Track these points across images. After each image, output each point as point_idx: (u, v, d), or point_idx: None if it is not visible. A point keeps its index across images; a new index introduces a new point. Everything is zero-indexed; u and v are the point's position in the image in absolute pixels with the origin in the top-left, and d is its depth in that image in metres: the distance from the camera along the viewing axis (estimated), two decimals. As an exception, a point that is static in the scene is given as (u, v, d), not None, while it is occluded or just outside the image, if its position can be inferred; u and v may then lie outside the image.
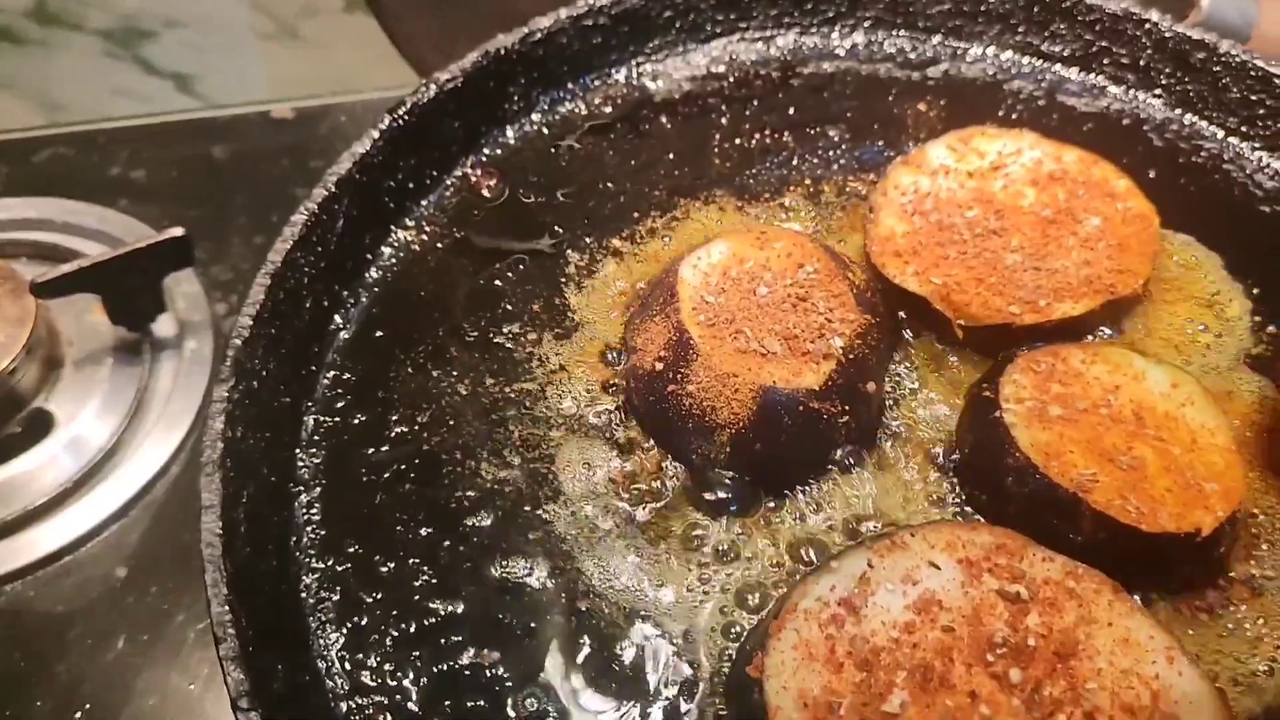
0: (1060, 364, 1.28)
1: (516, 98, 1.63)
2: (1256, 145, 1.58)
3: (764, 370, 1.23)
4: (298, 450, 1.28)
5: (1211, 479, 1.18)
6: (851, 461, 1.28)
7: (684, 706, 1.11)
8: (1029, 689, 1.01)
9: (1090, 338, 1.38)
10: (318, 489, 1.25)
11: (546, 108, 1.65)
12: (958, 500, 1.25)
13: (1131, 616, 1.06)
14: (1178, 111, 1.64)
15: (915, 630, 1.05)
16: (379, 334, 1.40)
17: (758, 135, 1.63)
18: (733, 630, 1.15)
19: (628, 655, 1.14)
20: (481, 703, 1.11)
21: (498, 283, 1.45)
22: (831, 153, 1.61)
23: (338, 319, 1.41)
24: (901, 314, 1.41)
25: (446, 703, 1.11)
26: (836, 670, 1.03)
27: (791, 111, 1.66)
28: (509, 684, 1.12)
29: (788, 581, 1.18)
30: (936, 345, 1.39)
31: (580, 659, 1.13)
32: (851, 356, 1.26)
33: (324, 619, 1.16)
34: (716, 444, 1.24)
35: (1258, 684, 1.12)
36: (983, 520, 1.21)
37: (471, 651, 1.14)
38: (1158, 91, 1.65)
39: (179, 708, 1.35)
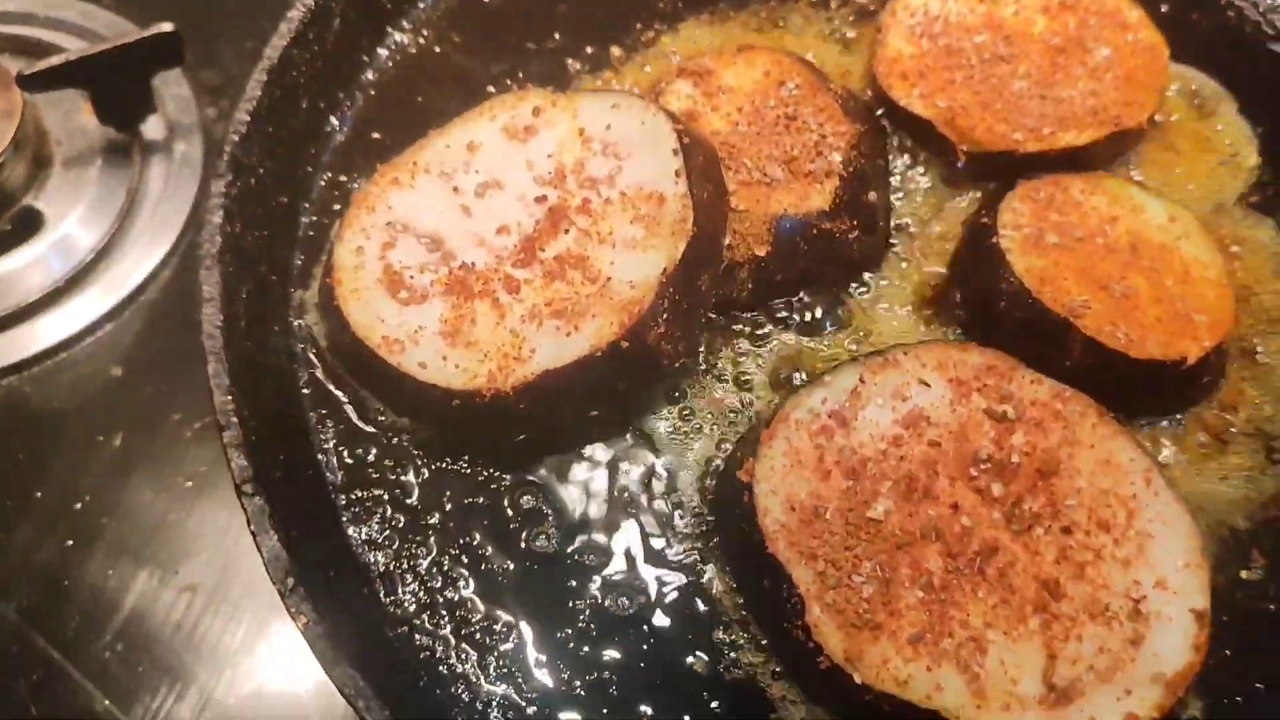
0: (1060, 193, 1.28)
1: (519, -103, 1.57)
2: (1273, -19, 1.54)
3: (772, 199, 1.23)
4: (294, 250, 1.28)
5: (1201, 310, 1.20)
6: (857, 284, 1.30)
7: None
8: (1010, 503, 1.06)
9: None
10: (314, 286, 1.25)
11: (551, -92, 1.60)
12: (955, 318, 1.27)
13: (1114, 439, 1.09)
14: (1195, -57, 1.59)
15: (902, 443, 1.09)
16: (375, 136, 1.39)
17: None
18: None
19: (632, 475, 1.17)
20: (480, 499, 1.14)
21: (491, 89, 1.44)
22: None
23: (334, 120, 1.39)
24: (904, 137, 1.40)
25: (446, 498, 1.14)
26: (824, 477, 1.06)
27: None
28: (506, 484, 1.15)
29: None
30: (940, 170, 1.38)
31: (574, 464, 1.17)
32: (851, 169, 1.26)
33: (323, 414, 1.18)
34: (739, 282, 1.24)
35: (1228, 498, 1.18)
36: (974, 342, 1.22)
37: (469, 456, 1.16)
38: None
39: (175, 502, 1.37)
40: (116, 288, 1.52)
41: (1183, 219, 1.28)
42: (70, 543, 1.34)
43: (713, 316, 1.24)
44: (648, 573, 1.11)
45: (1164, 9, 1.52)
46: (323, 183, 1.34)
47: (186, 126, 1.67)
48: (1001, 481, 1.07)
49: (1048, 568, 1.03)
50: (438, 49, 1.47)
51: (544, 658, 1.06)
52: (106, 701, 1.25)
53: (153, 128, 1.66)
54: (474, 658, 1.06)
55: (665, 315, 1.11)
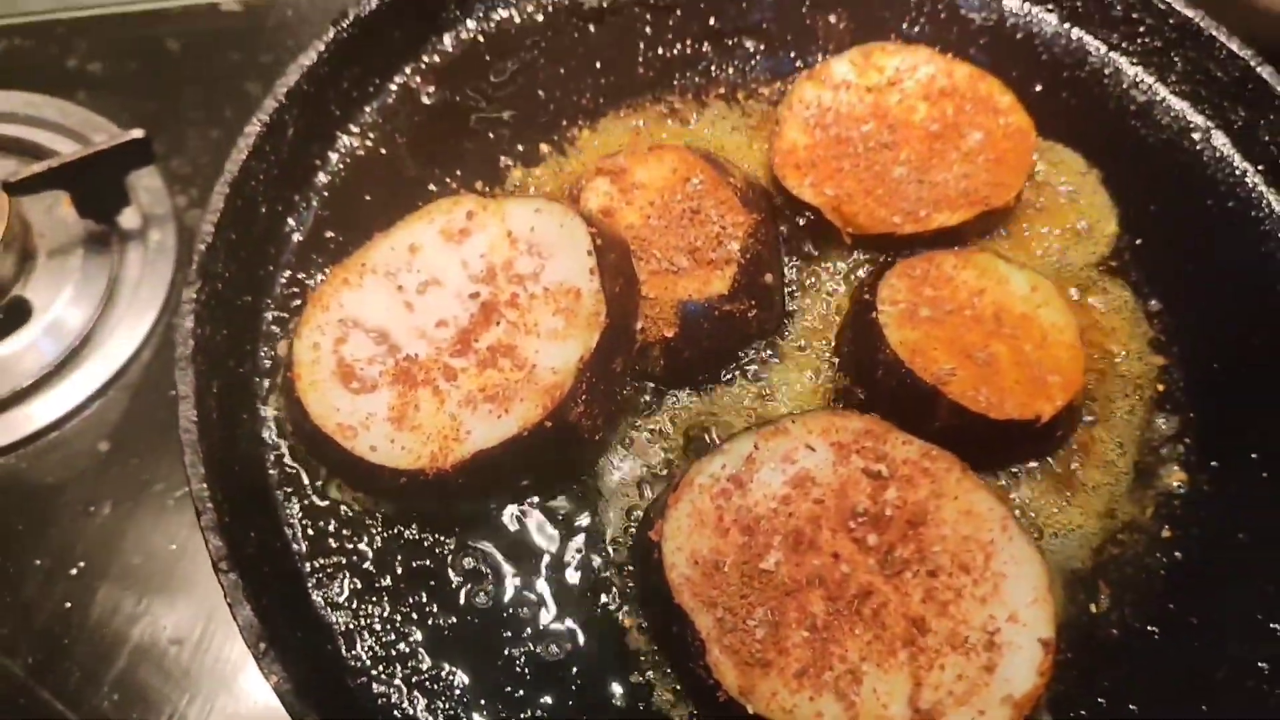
0: (934, 269, 1.44)
1: (453, 6, 1.73)
2: (1134, 60, 1.72)
3: (679, 286, 1.39)
4: (259, 344, 1.44)
5: (1055, 371, 1.36)
6: (760, 357, 1.47)
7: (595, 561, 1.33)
8: (883, 550, 1.22)
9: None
10: (278, 378, 1.41)
11: (482, 15, 1.75)
12: (840, 383, 1.44)
13: (975, 491, 1.25)
14: (1067, 25, 1.76)
15: (791, 502, 1.24)
16: (329, 235, 1.54)
17: (679, 45, 1.75)
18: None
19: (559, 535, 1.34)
20: (427, 562, 1.31)
21: (432, 187, 1.59)
22: (748, 63, 1.74)
23: (291, 222, 1.54)
24: (799, 220, 1.57)
25: (397, 561, 1.31)
26: (723, 535, 1.22)
27: (712, 22, 1.77)
28: (449, 548, 1.32)
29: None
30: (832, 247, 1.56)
31: (509, 528, 1.34)
32: (748, 256, 1.42)
33: (288, 491, 1.34)
34: (652, 360, 1.41)
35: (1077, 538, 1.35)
36: (854, 407, 1.39)
37: (416, 525, 1.33)
38: (1050, 6, 1.77)
39: (162, 565, 1.54)
40: (102, 368, 1.67)
41: (1043, 289, 1.43)
42: (69, 605, 1.50)
43: (628, 393, 1.40)
44: (574, 621, 1.27)
45: (1037, 88, 1.69)
46: (283, 280, 1.48)
47: (160, 216, 1.82)
48: (876, 532, 1.22)
49: (915, 607, 1.18)
50: (383, 150, 1.61)
51: (484, 702, 1.22)
52: (106, 748, 1.41)
53: (129, 218, 1.81)
54: (423, 703, 1.22)
55: (584, 396, 1.26)
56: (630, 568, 1.31)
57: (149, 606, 1.51)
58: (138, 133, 1.68)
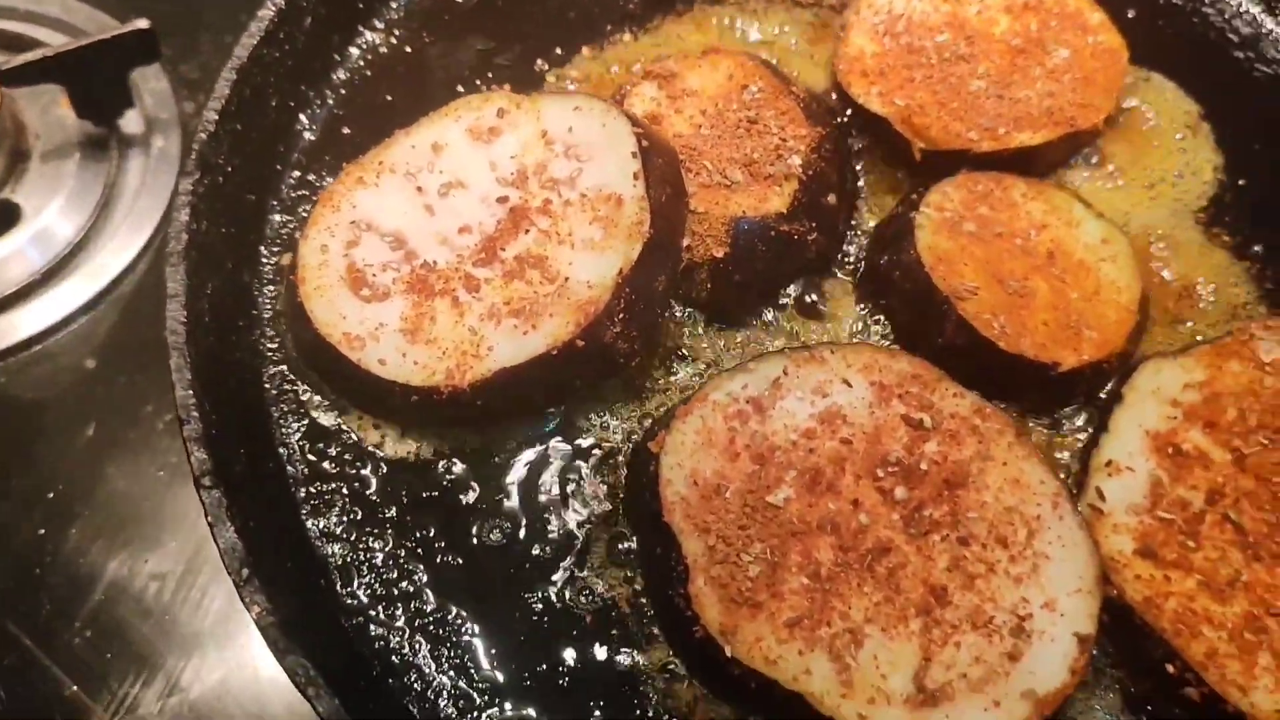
0: (999, 190, 1.31)
1: (493, -103, 1.59)
2: (1238, -13, 1.57)
3: (731, 202, 1.26)
4: (261, 247, 1.31)
5: (1095, 327, 1.22)
6: (817, 285, 1.33)
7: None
8: (911, 507, 1.08)
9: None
10: (281, 285, 1.28)
11: (523, -90, 1.61)
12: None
13: (1027, 460, 1.11)
14: (1166, -54, 1.61)
15: (815, 437, 1.11)
16: (345, 133, 1.42)
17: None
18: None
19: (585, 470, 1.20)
20: (435, 493, 1.17)
21: (461, 89, 1.46)
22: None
23: (303, 119, 1.42)
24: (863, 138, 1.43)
25: (403, 492, 1.17)
26: (732, 459, 1.09)
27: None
28: (460, 478, 1.18)
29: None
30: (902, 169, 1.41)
31: (529, 459, 1.20)
32: (811, 173, 1.28)
33: (285, 409, 1.21)
34: (697, 283, 1.27)
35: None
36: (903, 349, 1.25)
37: (427, 451, 1.19)
38: (1147, -74, 1.62)
39: (147, 492, 1.40)
40: (92, 281, 1.55)
41: (1116, 244, 1.29)
42: (43, 530, 1.37)
43: (669, 316, 1.26)
44: (594, 569, 1.14)
45: (1130, 14, 1.54)
46: (292, 180, 1.37)
47: (164, 121, 1.69)
48: (907, 486, 1.08)
49: (938, 574, 1.04)
50: (409, 49, 1.49)
51: (494, 650, 1.09)
52: (75, 688, 1.28)
53: (131, 122, 1.68)
54: (426, 648, 1.08)
55: (621, 315, 1.13)
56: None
57: (130, 538, 1.37)
58: (142, 23, 1.54)
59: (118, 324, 1.52)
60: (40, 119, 1.66)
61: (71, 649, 1.30)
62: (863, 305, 1.31)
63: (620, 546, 1.15)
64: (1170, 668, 1.04)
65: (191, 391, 1.08)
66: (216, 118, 1.25)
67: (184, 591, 1.34)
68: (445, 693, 1.06)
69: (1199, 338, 1.29)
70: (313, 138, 1.40)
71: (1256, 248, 1.36)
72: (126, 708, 1.27)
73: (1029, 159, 1.36)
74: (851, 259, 1.34)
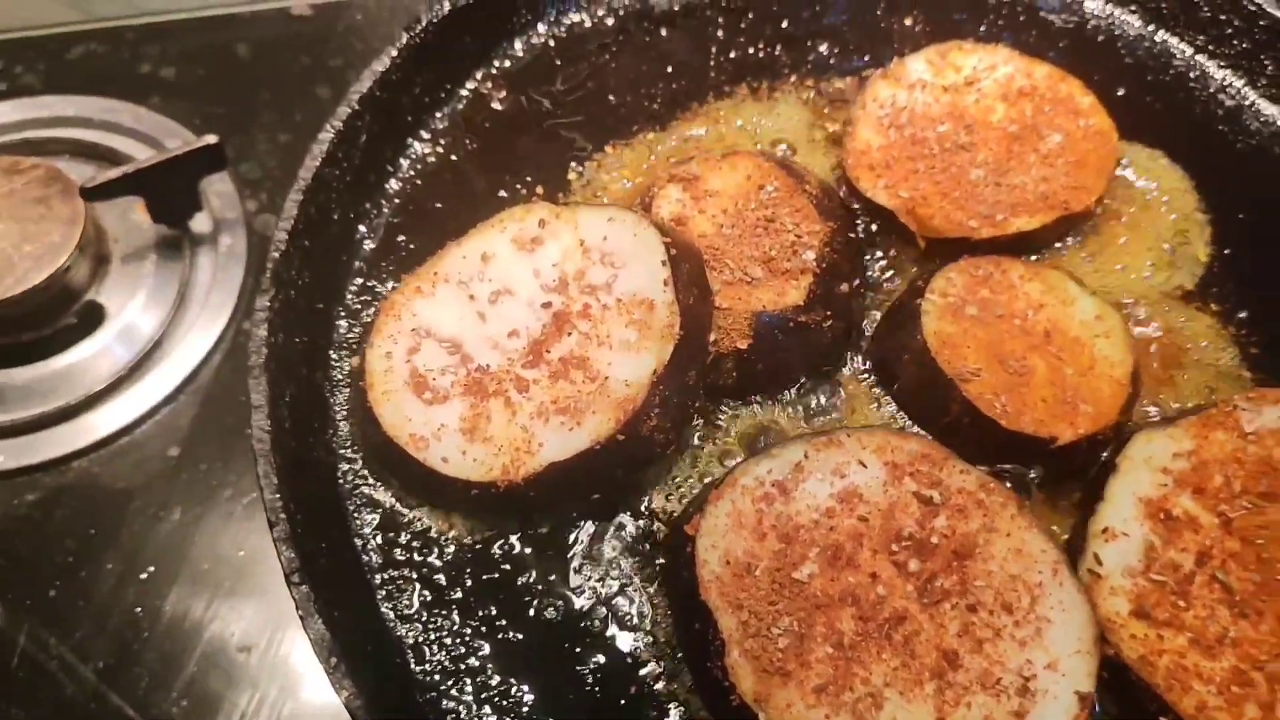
0: (998, 273, 1.41)
1: (524, 10, 1.72)
2: (1222, 64, 1.67)
3: (753, 297, 1.37)
4: (330, 352, 1.44)
5: (1091, 401, 1.32)
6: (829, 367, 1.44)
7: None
8: (924, 578, 1.18)
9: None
10: (349, 388, 1.41)
11: (553, 19, 1.75)
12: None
13: (1029, 530, 1.21)
14: (1151, 28, 1.72)
15: (835, 515, 1.21)
16: (400, 240, 1.54)
17: (751, 48, 1.73)
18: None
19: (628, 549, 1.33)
20: (496, 575, 1.30)
21: (503, 193, 1.59)
22: (822, 65, 1.71)
23: (362, 229, 1.54)
24: (873, 226, 1.54)
25: (467, 574, 1.29)
26: (760, 539, 1.20)
27: (784, 24, 1.75)
28: (519, 561, 1.30)
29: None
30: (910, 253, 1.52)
31: (578, 542, 1.32)
32: (824, 265, 1.39)
33: (359, 503, 1.33)
34: (724, 372, 1.38)
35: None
36: (916, 431, 1.37)
37: (487, 536, 1.32)
38: (1133, 7, 1.73)
39: (230, 571, 1.54)
40: (173, 373, 1.68)
41: (1109, 320, 1.38)
42: (139, 609, 1.51)
43: (699, 404, 1.38)
44: (640, 638, 1.26)
45: (1120, 92, 1.65)
46: (354, 288, 1.48)
47: (231, 221, 1.83)
48: (919, 558, 1.19)
49: (950, 640, 1.14)
50: (454, 156, 1.61)
51: (552, 717, 1.21)
52: (176, 753, 1.42)
53: (200, 223, 1.82)
54: (492, 719, 1.21)
55: (657, 410, 1.24)
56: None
57: (217, 612, 1.51)
58: (211, 138, 1.69)
59: (198, 414, 1.66)
60: (119, 224, 1.81)
61: (169, 717, 1.43)
62: (875, 388, 1.42)
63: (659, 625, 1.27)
64: None
65: (279, 495, 1.19)
66: (287, 237, 1.37)
67: (269, 665, 1.47)
68: (510, 758, 1.19)
69: (1189, 403, 1.40)
70: (372, 246, 1.52)
71: (1242, 314, 1.46)
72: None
73: (1026, 242, 1.46)
74: (865, 342, 1.45)
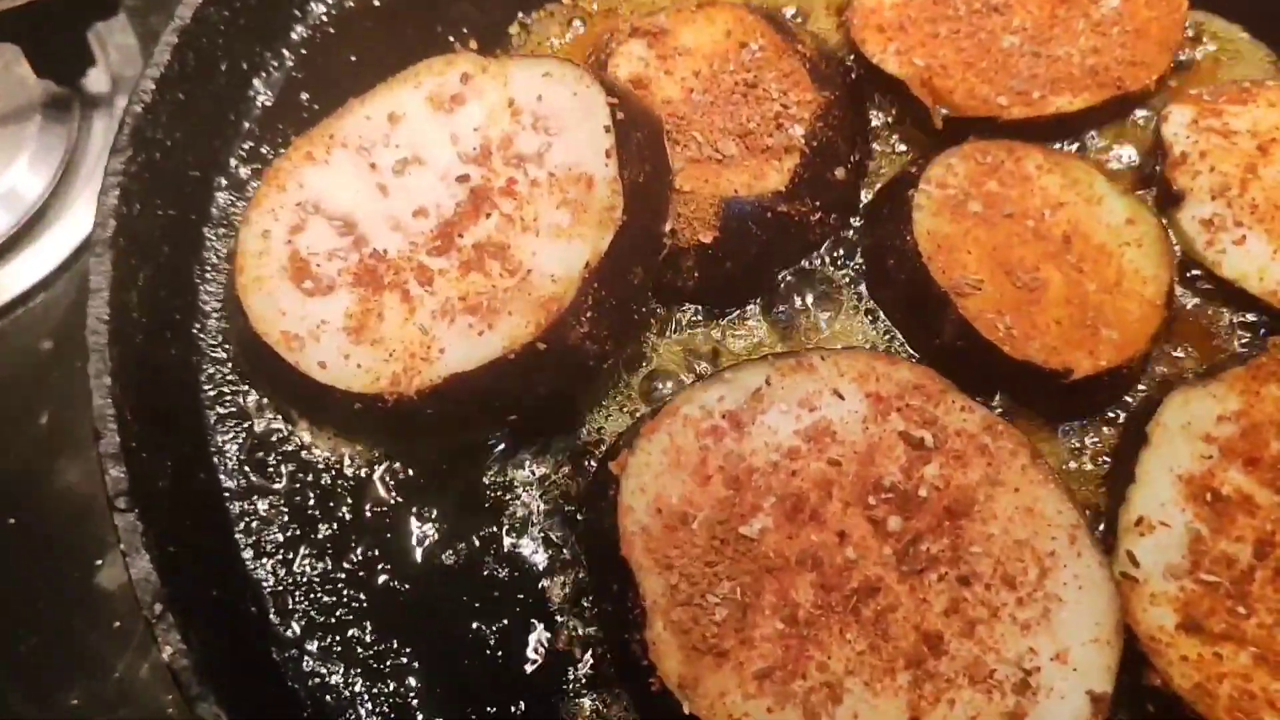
0: (1011, 162, 1.17)
1: None
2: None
3: (722, 179, 1.13)
4: (206, 229, 1.20)
5: (1115, 326, 1.09)
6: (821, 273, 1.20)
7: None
8: (906, 540, 0.96)
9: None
10: (226, 273, 1.17)
11: None
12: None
13: (1043, 486, 0.98)
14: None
15: (798, 457, 0.99)
16: (304, 97, 1.30)
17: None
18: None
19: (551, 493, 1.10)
20: (381, 510, 1.08)
21: (435, 49, 1.32)
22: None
23: (257, 83, 1.30)
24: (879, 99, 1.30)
25: (344, 507, 1.07)
26: (702, 482, 0.98)
27: None
28: (409, 494, 1.09)
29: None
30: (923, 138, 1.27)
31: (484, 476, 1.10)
32: (815, 144, 1.16)
33: (222, 415, 1.11)
34: (682, 271, 1.15)
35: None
36: (906, 356, 1.13)
37: (371, 464, 1.10)
38: None
39: (99, 490, 1.31)
40: (52, 253, 1.48)
41: (1143, 224, 1.15)
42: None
43: (647, 311, 1.15)
44: (554, 604, 1.04)
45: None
46: (242, 153, 1.26)
47: (131, 79, 1.60)
48: (902, 515, 0.97)
49: (933, 619, 0.93)
50: (376, 2, 1.35)
51: (438, 691, 1.00)
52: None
53: (95, 81, 1.60)
54: (361, 684, 1.00)
55: (589, 313, 1.02)
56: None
57: (74, 543, 1.30)
58: (93, -28, 1.43)
59: (76, 303, 1.45)
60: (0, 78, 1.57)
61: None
62: (870, 300, 1.17)
63: (585, 580, 1.04)
64: None
65: (110, 400, 0.99)
66: (154, 86, 1.14)
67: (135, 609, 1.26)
68: (381, 739, 0.97)
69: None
70: (268, 104, 1.29)
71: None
72: None
73: (1064, 128, 1.23)
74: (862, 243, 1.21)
